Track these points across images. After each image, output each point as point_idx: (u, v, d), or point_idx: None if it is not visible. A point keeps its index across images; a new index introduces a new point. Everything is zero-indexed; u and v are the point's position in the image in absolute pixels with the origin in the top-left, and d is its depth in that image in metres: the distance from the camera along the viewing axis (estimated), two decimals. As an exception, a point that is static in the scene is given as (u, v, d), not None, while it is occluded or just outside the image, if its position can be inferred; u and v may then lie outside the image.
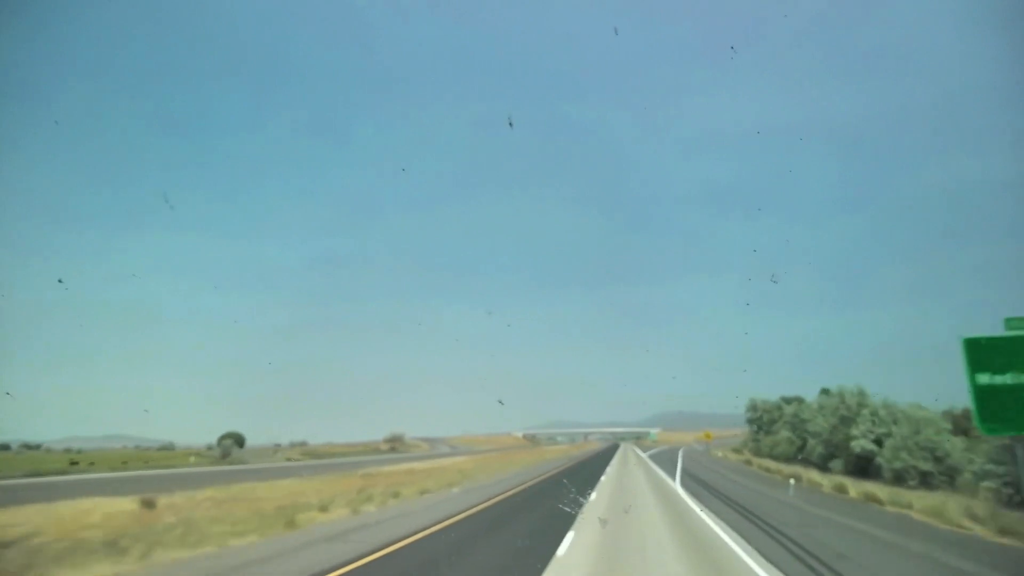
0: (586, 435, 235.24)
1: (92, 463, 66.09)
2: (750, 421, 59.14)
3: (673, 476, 35.24)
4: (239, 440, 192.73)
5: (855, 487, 23.89)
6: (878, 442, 29.10)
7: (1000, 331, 14.08)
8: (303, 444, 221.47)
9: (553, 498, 22.11)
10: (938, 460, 25.50)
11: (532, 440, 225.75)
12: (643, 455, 59.66)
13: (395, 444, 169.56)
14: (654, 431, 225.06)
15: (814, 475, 29.31)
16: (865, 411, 30.07)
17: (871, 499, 21.28)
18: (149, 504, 17.93)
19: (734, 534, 14.65)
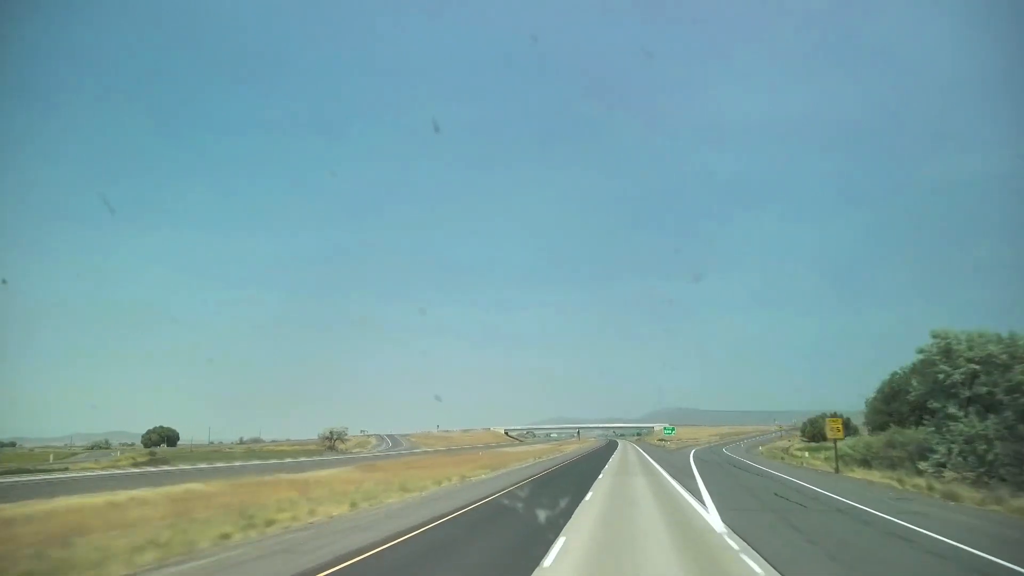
0: (578, 431, 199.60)
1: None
2: (948, 387, 23.17)
3: None
4: (170, 437, 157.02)
5: None
6: None
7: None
8: (256, 441, 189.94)
9: None
10: None
11: (516, 437, 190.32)
12: (684, 492, 21.49)
13: (333, 442, 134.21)
14: (658, 426, 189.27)
15: None
16: None
17: None
18: None
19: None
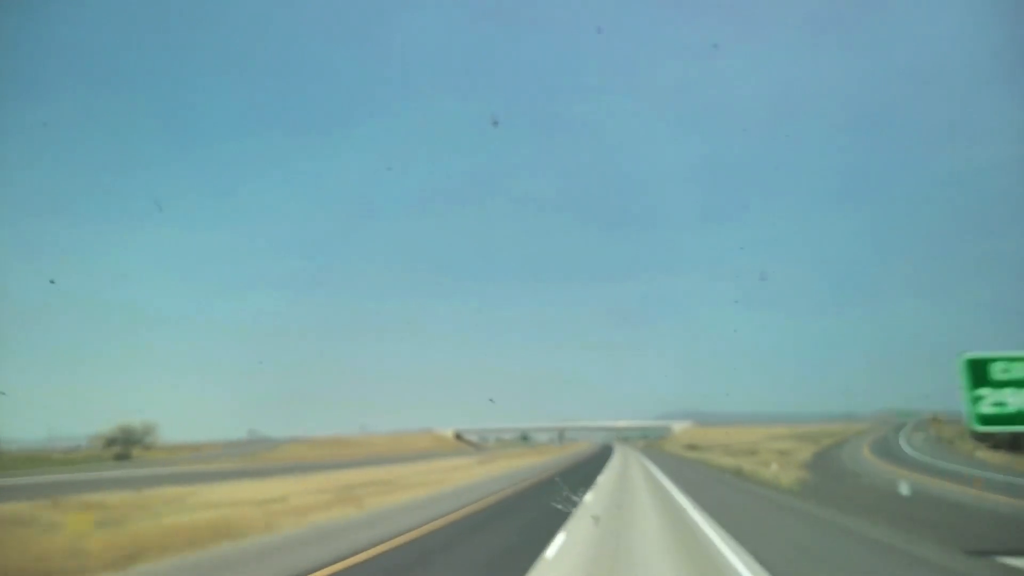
0: (560, 433, 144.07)
1: None
2: None
3: None
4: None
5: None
6: None
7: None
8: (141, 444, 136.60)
9: None
10: None
11: (472, 442, 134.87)
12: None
13: (128, 448, 79.02)
14: (679, 426, 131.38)
15: None
16: None
17: None
18: None
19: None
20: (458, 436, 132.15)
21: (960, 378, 9.92)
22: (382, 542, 12.19)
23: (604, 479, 31.39)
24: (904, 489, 21.32)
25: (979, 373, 10.05)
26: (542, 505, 18.49)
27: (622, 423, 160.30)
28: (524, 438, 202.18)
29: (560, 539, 12.26)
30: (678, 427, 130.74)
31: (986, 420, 9.98)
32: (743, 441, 75.54)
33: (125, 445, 79.13)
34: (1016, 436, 59.17)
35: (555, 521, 14.78)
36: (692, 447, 77.83)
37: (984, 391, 9.96)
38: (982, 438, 72.16)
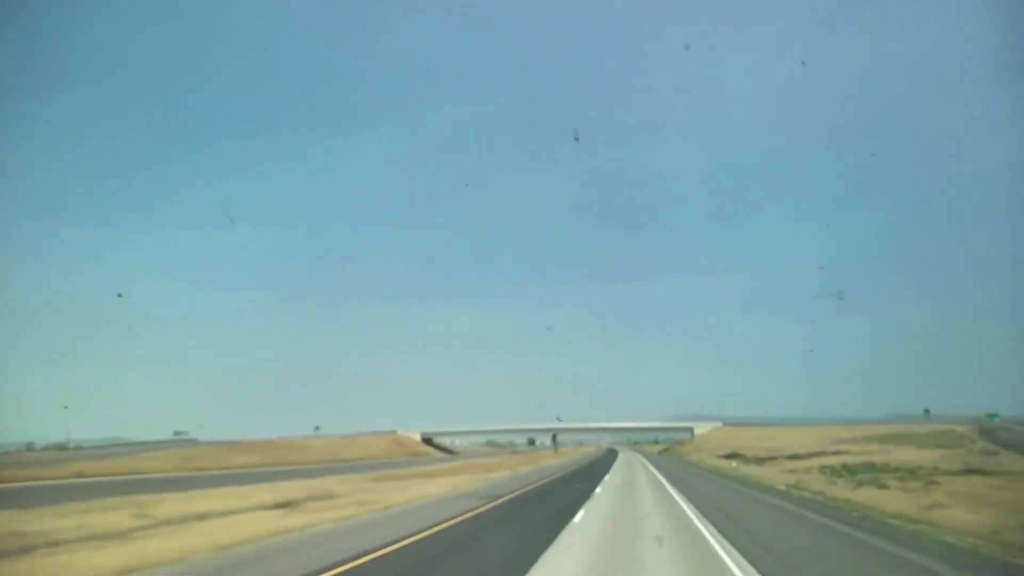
0: (554, 436, 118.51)
1: None
2: None
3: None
4: None
5: None
6: None
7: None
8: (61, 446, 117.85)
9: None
10: None
11: (443, 446, 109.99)
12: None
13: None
14: (702, 427, 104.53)
15: None
16: None
17: None
18: None
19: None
20: (427, 440, 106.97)
21: None
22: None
23: None
24: None
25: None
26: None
27: (632, 424, 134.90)
28: (531, 442, 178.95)
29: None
30: (702, 428, 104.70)
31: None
32: (813, 445, 49.90)
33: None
34: None
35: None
36: (735, 456, 51.99)
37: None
38: None
